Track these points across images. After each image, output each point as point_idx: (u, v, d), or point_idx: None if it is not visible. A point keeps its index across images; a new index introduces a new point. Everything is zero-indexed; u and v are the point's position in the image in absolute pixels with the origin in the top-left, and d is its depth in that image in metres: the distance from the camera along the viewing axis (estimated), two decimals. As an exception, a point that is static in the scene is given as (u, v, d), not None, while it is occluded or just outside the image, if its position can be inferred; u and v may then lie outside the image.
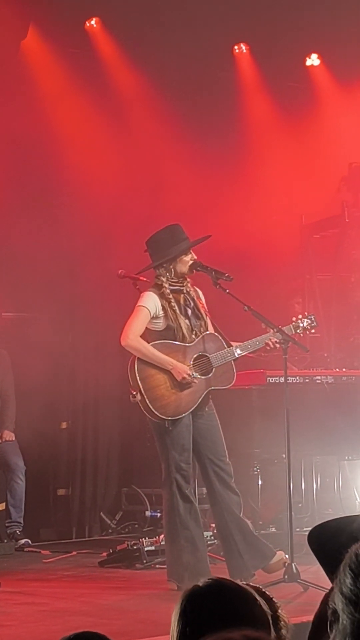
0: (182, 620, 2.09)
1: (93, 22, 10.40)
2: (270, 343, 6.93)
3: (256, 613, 2.11)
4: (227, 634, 1.90)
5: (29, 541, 9.19)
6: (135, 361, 6.83)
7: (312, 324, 7.21)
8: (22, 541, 9.13)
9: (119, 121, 10.33)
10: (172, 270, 6.95)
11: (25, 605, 6.45)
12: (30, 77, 10.10)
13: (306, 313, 7.45)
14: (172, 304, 6.89)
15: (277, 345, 6.88)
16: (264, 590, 2.59)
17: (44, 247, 9.53)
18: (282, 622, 2.50)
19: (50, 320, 10.15)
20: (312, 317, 7.26)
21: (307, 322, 7.19)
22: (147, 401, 6.75)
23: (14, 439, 9.41)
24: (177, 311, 6.90)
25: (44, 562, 8.45)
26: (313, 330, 7.44)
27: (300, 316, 7.27)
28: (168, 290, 6.91)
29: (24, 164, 9.62)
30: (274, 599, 2.55)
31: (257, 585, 2.63)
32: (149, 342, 6.87)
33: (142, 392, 6.77)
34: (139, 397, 6.78)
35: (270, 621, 2.14)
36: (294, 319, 7.21)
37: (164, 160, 10.32)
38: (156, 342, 6.87)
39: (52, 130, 9.93)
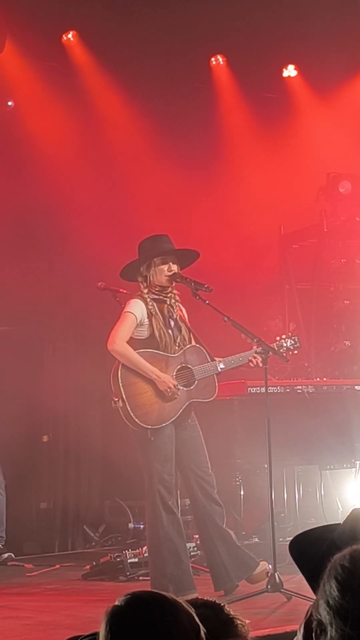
0: None
1: (70, 35, 10.42)
2: (253, 360, 6.93)
3: (181, 621, 2.12)
4: None
5: (12, 555, 9.16)
6: (120, 367, 6.78)
7: (296, 345, 7.24)
8: (5, 555, 9.10)
9: (97, 134, 10.34)
10: (149, 278, 6.92)
11: (9, 619, 6.42)
12: (7, 91, 10.10)
13: (290, 333, 7.45)
14: (155, 312, 6.88)
15: (260, 364, 6.87)
16: (212, 600, 2.59)
17: (21, 260, 9.51)
18: (241, 629, 2.49)
19: (30, 333, 10.12)
20: (296, 337, 7.28)
21: (290, 342, 7.21)
22: (129, 408, 6.69)
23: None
24: (161, 321, 6.89)
25: (27, 576, 8.43)
26: (296, 352, 7.46)
27: (284, 336, 7.29)
28: (148, 298, 6.90)
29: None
30: (225, 608, 2.54)
31: (198, 597, 2.63)
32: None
33: (124, 398, 6.70)
34: (120, 403, 6.73)
35: (201, 629, 2.15)
36: (278, 338, 7.23)
37: (141, 172, 10.33)
38: (141, 350, 6.83)
39: (29, 144, 9.93)
